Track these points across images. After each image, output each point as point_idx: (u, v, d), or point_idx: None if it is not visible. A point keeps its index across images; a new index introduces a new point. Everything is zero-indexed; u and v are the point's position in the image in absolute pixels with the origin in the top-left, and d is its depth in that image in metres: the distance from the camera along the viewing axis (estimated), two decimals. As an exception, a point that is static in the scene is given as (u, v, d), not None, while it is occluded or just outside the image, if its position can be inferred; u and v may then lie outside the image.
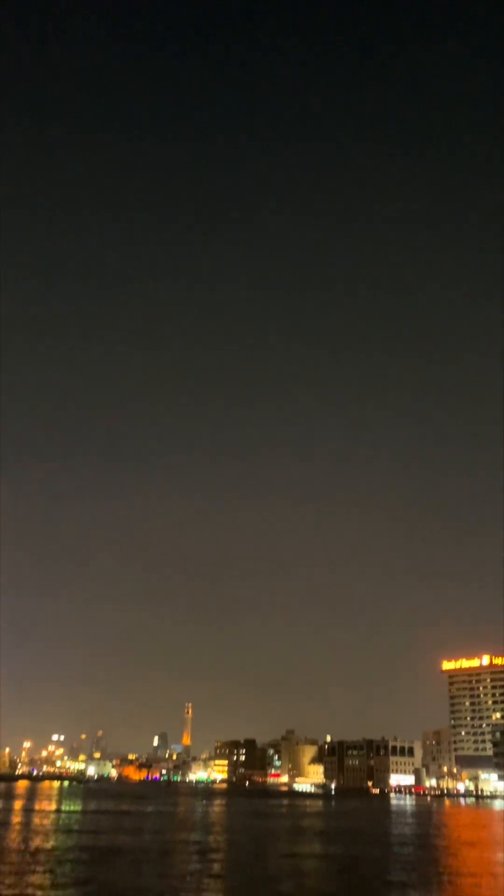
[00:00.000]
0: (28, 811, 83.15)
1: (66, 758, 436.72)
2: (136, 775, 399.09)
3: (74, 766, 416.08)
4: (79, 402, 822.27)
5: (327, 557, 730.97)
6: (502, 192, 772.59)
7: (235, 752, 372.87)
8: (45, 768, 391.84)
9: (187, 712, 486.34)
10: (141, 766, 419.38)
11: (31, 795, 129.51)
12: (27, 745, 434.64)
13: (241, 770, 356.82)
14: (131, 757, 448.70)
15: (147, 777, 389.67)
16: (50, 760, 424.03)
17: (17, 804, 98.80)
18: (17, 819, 70.75)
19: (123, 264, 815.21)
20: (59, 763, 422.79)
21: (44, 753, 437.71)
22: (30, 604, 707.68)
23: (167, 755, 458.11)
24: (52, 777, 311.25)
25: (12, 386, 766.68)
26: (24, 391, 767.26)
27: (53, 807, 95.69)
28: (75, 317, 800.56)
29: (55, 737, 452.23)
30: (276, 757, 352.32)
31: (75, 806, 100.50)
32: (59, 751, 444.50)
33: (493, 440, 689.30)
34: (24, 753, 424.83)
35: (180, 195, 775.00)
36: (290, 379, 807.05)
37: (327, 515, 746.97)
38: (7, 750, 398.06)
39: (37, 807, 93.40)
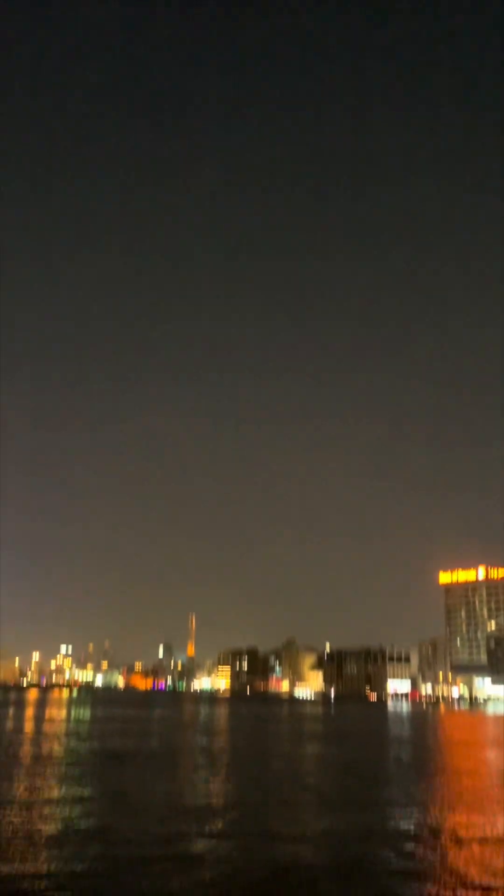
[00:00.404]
0: (38, 719, 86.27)
1: (74, 668, 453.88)
2: (142, 684, 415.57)
3: (82, 675, 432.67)
4: (82, 323, 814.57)
5: (328, 471, 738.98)
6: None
7: (238, 660, 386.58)
8: (54, 678, 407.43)
9: (191, 623, 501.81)
10: (147, 675, 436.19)
11: (42, 704, 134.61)
12: (36, 656, 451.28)
13: (244, 678, 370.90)
14: (137, 666, 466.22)
15: (153, 685, 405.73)
16: (59, 671, 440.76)
17: (28, 712, 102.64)
18: (28, 726, 73.39)
19: (125, 170, 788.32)
20: (67, 673, 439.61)
21: (52, 664, 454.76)
22: (36, 524, 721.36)
23: (172, 664, 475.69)
24: (61, 686, 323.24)
25: (15, 303, 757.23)
26: (28, 309, 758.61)
27: (63, 714, 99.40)
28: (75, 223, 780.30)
29: (63, 648, 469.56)
30: (277, 664, 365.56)
31: (84, 713, 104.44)
32: (68, 661, 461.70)
33: (494, 348, 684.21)
34: (33, 664, 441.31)
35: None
36: (286, 290, 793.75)
37: (327, 428, 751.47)
38: (17, 661, 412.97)
39: (47, 714, 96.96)
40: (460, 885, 17.08)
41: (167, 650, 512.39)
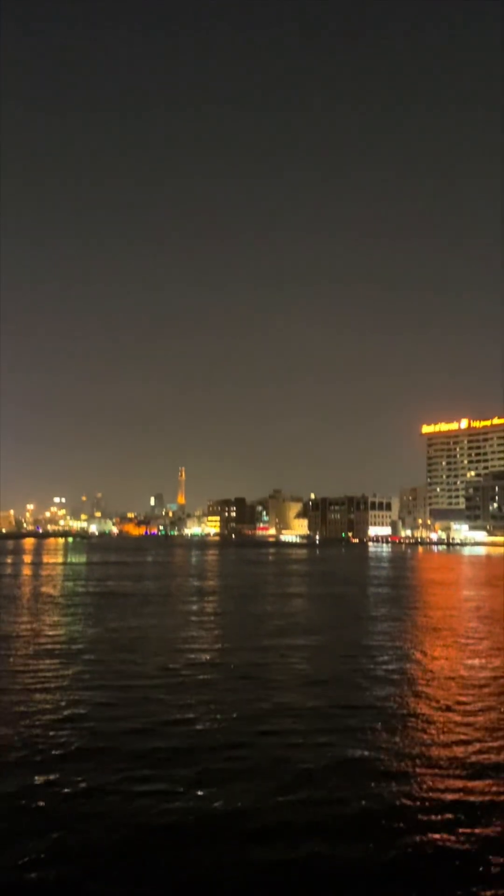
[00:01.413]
0: (36, 564, 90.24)
1: (68, 517, 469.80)
2: (135, 531, 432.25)
3: (77, 524, 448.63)
4: (82, 184, 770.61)
5: (315, 320, 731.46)
6: None
7: (227, 509, 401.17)
8: (49, 527, 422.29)
9: (180, 475, 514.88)
10: (139, 524, 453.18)
11: (38, 550, 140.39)
12: (30, 507, 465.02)
13: (232, 525, 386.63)
14: (130, 515, 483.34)
15: (146, 532, 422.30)
16: (53, 520, 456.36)
17: (26, 558, 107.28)
18: (26, 570, 76.90)
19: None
20: (62, 522, 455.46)
21: (47, 514, 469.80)
22: (29, 377, 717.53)
23: (163, 513, 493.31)
24: (56, 535, 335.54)
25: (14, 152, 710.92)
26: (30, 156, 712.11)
27: (60, 560, 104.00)
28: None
29: (57, 499, 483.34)
30: (264, 513, 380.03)
31: (80, 558, 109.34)
32: (62, 511, 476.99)
33: (482, 197, 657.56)
34: (28, 514, 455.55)
35: None
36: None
37: (312, 280, 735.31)
38: (11, 511, 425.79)
39: (44, 560, 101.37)
40: (424, 701, 18.71)
41: (158, 500, 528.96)
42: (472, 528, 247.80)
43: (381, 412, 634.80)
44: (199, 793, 12.08)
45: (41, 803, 11.57)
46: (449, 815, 11.30)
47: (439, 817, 11.24)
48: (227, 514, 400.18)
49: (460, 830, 10.78)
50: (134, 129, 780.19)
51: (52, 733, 15.36)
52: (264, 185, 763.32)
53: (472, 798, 12.01)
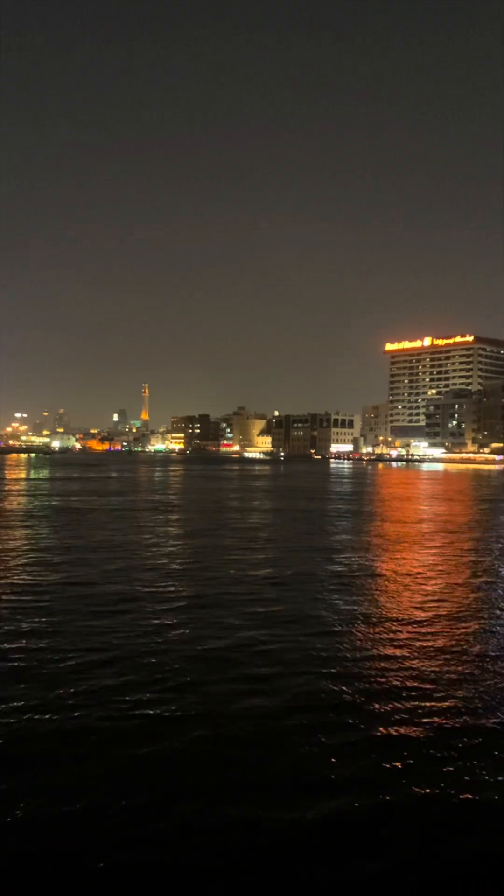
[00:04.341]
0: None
1: (30, 433, 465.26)
2: (98, 447, 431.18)
3: (39, 440, 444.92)
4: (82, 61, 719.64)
5: (283, 241, 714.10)
6: None
7: (191, 425, 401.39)
8: (10, 443, 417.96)
9: (144, 392, 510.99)
10: (103, 440, 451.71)
11: None
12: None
13: (196, 441, 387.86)
14: (93, 431, 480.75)
15: (109, 449, 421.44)
16: (15, 436, 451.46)
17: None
18: (-10, 485, 76.52)
19: None
20: (23, 438, 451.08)
21: (8, 430, 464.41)
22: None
23: (127, 429, 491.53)
24: (18, 451, 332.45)
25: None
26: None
27: (23, 475, 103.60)
28: None
29: (18, 414, 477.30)
30: (228, 430, 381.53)
31: (44, 473, 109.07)
32: (23, 427, 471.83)
33: (436, 134, 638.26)
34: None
35: None
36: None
37: (282, 201, 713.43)
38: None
39: (6, 475, 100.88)
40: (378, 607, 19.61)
41: (122, 416, 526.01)
42: (432, 444, 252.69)
43: (345, 331, 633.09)
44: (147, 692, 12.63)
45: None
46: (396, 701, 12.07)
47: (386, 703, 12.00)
48: (191, 430, 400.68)
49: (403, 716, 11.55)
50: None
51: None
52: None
53: (422, 681, 12.82)
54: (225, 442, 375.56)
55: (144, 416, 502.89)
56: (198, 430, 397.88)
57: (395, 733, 11.14)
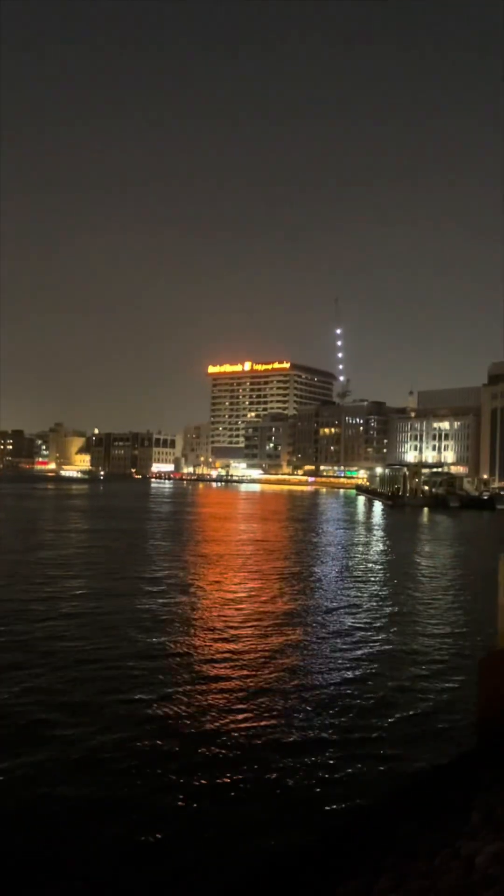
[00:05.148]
0: None
1: None
2: None
3: None
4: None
5: (112, 253, 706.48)
6: None
7: (3, 442, 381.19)
8: None
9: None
10: None
11: None
12: None
13: (9, 459, 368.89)
14: None
15: None
16: None
17: None
18: None
19: None
20: None
21: None
22: None
23: None
24: None
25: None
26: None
27: None
28: None
29: None
30: (44, 447, 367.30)
31: None
32: None
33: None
34: None
35: None
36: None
37: (110, 209, 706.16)
38: None
39: None
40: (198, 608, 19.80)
41: None
42: (250, 465, 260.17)
43: (168, 350, 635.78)
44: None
45: None
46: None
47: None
48: (2, 447, 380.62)
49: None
50: None
51: None
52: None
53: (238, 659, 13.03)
54: (40, 460, 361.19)
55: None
56: (10, 447, 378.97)
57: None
